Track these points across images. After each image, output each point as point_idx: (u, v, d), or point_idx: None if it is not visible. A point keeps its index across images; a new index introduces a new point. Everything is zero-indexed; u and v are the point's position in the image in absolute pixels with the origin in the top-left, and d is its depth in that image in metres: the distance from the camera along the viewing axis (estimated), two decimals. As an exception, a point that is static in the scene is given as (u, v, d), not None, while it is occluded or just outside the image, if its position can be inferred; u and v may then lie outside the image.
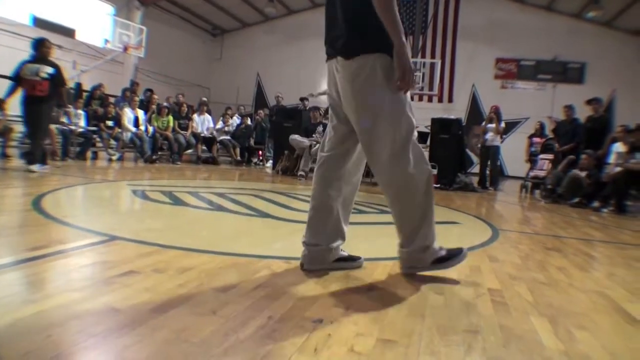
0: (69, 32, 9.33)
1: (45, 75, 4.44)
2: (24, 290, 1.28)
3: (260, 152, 9.46)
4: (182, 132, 7.87)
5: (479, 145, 7.78)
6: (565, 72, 11.79)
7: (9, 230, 2.00)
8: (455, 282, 1.68)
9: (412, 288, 1.57)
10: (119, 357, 0.93)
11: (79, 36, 9.52)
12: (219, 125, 8.74)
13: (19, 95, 4.49)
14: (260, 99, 14.12)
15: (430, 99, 12.18)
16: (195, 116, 8.36)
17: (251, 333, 1.06)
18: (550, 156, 6.89)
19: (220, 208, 3.14)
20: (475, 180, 7.19)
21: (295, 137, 6.60)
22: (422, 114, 8.46)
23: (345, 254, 1.76)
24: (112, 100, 7.80)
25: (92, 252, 1.71)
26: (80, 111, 6.75)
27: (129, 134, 7.09)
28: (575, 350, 1.15)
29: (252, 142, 9.10)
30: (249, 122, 9.20)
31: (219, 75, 14.48)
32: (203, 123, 8.42)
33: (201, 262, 1.66)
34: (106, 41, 9.45)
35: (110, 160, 6.76)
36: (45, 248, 1.66)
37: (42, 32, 8.70)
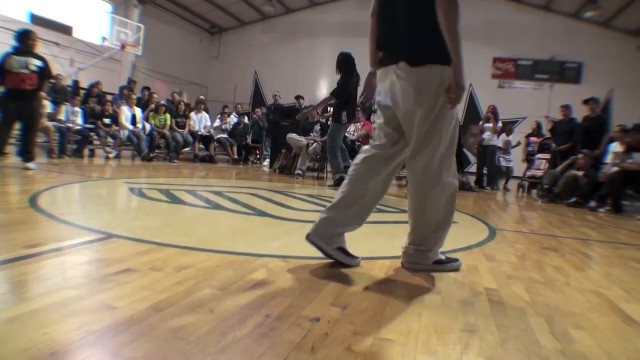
0: (66, 30, 9.30)
1: (34, 68, 4.30)
2: (20, 287, 1.27)
3: (258, 151, 9.45)
4: (180, 130, 7.85)
5: (477, 145, 7.80)
6: (562, 72, 11.80)
7: (5, 227, 1.99)
8: (452, 281, 1.68)
9: (409, 287, 1.57)
10: (115, 355, 0.92)
11: (76, 33, 9.50)
12: (217, 123, 8.72)
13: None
14: (257, 97, 14.10)
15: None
16: (192, 114, 8.33)
17: (248, 332, 1.06)
18: (547, 156, 6.91)
19: (218, 206, 3.13)
20: (472, 179, 7.21)
21: (293, 136, 6.59)
22: (419, 113, 8.50)
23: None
24: (109, 98, 7.77)
25: (89, 250, 1.70)
26: (77, 109, 6.71)
27: (126, 132, 7.06)
28: (571, 349, 1.15)
29: (249, 140, 9.09)
30: (246, 120, 9.19)
31: (217, 74, 14.45)
32: (200, 121, 8.39)
33: (198, 260, 1.65)
34: (104, 39, 9.43)
35: (107, 158, 6.73)
36: (42, 245, 1.65)
37: (39, 29, 8.67)
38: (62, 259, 1.56)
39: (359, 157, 1.78)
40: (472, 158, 10.11)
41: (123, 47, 9.49)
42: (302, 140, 6.47)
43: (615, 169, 5.13)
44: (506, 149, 7.90)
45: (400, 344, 1.08)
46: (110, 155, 6.81)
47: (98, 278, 1.38)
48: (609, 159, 5.53)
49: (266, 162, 8.34)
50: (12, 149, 5.59)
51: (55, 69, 8.36)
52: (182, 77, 12.66)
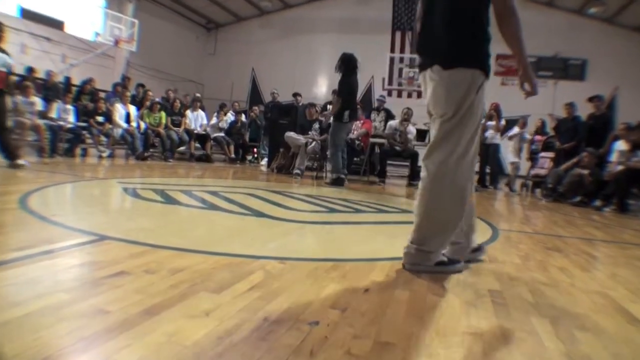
0: (58, 25, 9.19)
1: (7, 66, 4.19)
2: (11, 291, 1.24)
3: (255, 150, 9.40)
4: (175, 128, 7.79)
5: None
6: (566, 69, 11.67)
7: (-5, 229, 1.95)
8: (454, 283, 1.66)
9: (410, 289, 1.55)
10: (108, 361, 0.90)
11: (68, 29, 9.39)
12: (213, 121, 8.66)
13: None
14: (255, 95, 14.03)
15: (428, 96, 12.20)
16: (188, 112, 8.28)
17: (245, 336, 1.05)
18: (551, 154, 6.81)
19: (214, 207, 3.10)
20: (474, 178, 7.17)
21: (291, 135, 6.54)
22: (419, 112, 8.40)
23: (475, 245, 1.95)
24: (102, 95, 7.69)
25: (81, 252, 1.68)
26: (69, 106, 6.64)
27: (120, 130, 6.99)
28: (577, 352, 1.13)
29: (246, 139, 9.04)
30: (243, 118, 9.14)
31: (213, 71, 14.35)
32: (196, 119, 8.34)
33: (194, 262, 1.63)
34: (97, 34, 9.33)
35: (100, 157, 6.66)
36: (33, 248, 1.62)
37: (29, 24, 8.58)
38: (54, 261, 1.53)
39: None
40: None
41: (117, 42, 9.39)
42: (301, 138, 6.43)
43: (620, 167, 5.08)
44: (520, 146, 7.67)
45: (401, 348, 1.06)
46: (104, 155, 6.73)
47: (90, 281, 1.36)
48: (614, 157, 5.46)
49: (264, 162, 8.28)
50: None
51: (47, 65, 8.31)
52: (177, 74, 12.58)
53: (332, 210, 3.40)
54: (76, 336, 0.96)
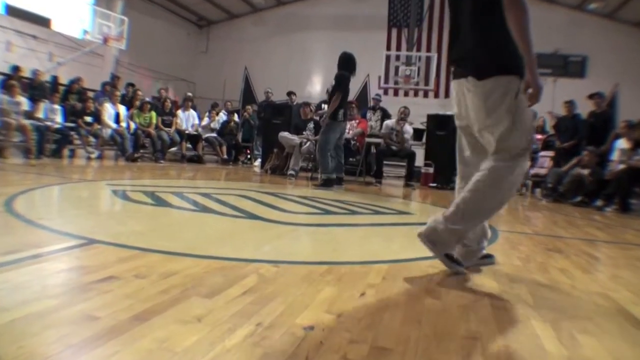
0: (44, 22, 9.03)
1: None
2: (-6, 298, 1.20)
3: (248, 150, 9.35)
4: (166, 129, 7.71)
5: None
6: (566, 66, 11.51)
7: (-21, 232, 1.90)
8: (452, 285, 1.65)
9: (408, 292, 1.53)
10: (97, 369, 0.89)
11: (55, 26, 9.22)
12: (205, 121, 8.59)
13: None
14: (248, 94, 13.92)
15: (426, 94, 11.93)
16: (179, 112, 8.21)
17: (239, 341, 1.03)
18: (551, 153, 6.74)
19: (206, 209, 3.07)
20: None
21: (285, 135, 6.50)
22: (417, 110, 8.41)
23: (485, 252, 1.93)
24: (91, 94, 7.59)
25: (69, 257, 1.65)
26: (56, 106, 6.55)
27: (109, 131, 6.90)
28: (579, 355, 1.13)
29: (239, 139, 8.98)
30: (236, 118, 9.08)
31: (205, 69, 14.22)
32: (188, 119, 8.27)
33: (185, 266, 1.60)
34: (85, 32, 9.18)
35: (89, 158, 6.58)
36: (19, 252, 1.59)
37: (15, 21, 8.42)
38: (41, 266, 1.50)
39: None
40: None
41: (105, 40, 9.24)
42: (295, 139, 6.39)
43: (622, 166, 5.05)
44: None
45: (398, 353, 1.05)
46: (92, 156, 6.65)
47: (79, 286, 1.33)
48: (615, 156, 5.41)
49: (257, 162, 8.22)
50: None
51: (33, 63, 8.17)
52: (168, 72, 12.45)
53: (327, 212, 3.38)
54: (64, 343, 0.94)
